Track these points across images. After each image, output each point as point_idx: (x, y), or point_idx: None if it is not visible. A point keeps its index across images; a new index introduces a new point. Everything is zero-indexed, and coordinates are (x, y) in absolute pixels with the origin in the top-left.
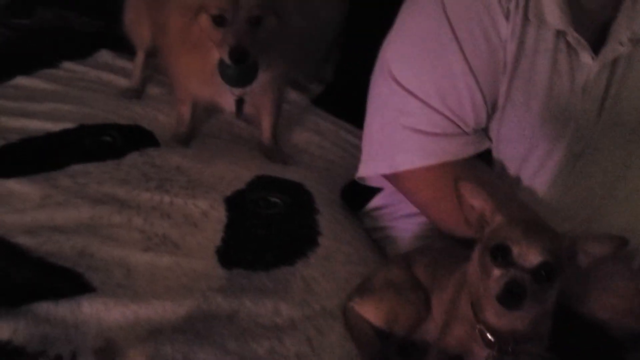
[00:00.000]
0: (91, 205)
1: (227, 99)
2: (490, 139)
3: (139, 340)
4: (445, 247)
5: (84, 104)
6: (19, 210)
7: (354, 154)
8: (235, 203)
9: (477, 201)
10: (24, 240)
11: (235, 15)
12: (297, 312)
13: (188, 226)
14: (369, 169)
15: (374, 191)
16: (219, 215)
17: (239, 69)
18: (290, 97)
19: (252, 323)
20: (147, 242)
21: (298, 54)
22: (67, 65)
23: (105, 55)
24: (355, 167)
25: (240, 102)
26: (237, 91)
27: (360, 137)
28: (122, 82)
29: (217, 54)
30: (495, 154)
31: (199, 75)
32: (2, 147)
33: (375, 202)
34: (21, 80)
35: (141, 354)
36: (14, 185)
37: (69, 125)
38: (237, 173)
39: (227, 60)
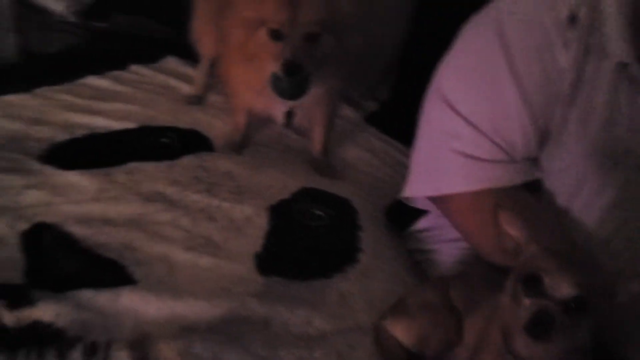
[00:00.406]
0: (142, 202)
1: (278, 110)
2: (540, 169)
3: (172, 336)
4: (483, 273)
5: (147, 106)
6: (75, 201)
7: (403, 174)
8: (279, 212)
9: (513, 230)
10: (76, 230)
11: (292, 30)
12: (329, 325)
13: (231, 230)
14: (414, 190)
15: (420, 212)
16: (262, 222)
17: (291, 82)
18: (343, 113)
19: (284, 331)
20: (190, 242)
21: (353, 72)
22: (135, 68)
23: (172, 62)
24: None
25: (289, 115)
26: (288, 103)
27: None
28: (186, 88)
29: (271, 67)
30: (545, 184)
31: (253, 86)
32: (67, 140)
33: (420, 224)
34: (91, 80)
35: (172, 349)
36: (74, 177)
37: (131, 125)
38: (284, 183)
39: (280, 73)
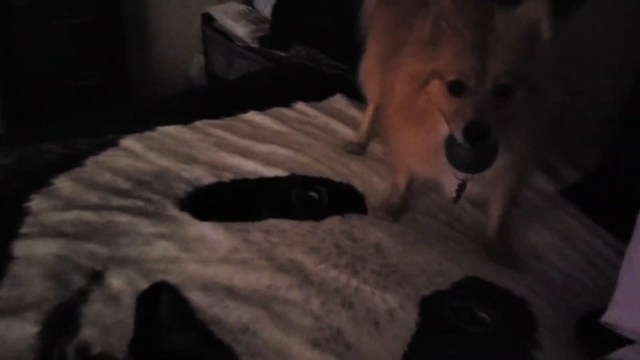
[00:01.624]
0: (273, 271)
1: (449, 180)
2: None
3: None
4: None
5: (303, 151)
6: (204, 259)
7: (609, 276)
8: (432, 308)
9: None
10: (196, 297)
11: (479, 83)
12: None
13: (368, 324)
14: (620, 316)
15: (622, 338)
16: (409, 319)
17: (473, 151)
18: (534, 182)
19: None
20: (317, 334)
21: (551, 136)
22: (300, 106)
23: (339, 101)
24: (606, 293)
25: (462, 187)
26: (463, 175)
27: (622, 254)
28: (349, 133)
29: (445, 129)
30: None
31: (419, 150)
32: (213, 184)
33: (621, 353)
34: (252, 115)
35: None
36: (208, 230)
37: (281, 172)
38: (443, 268)
39: (459, 137)
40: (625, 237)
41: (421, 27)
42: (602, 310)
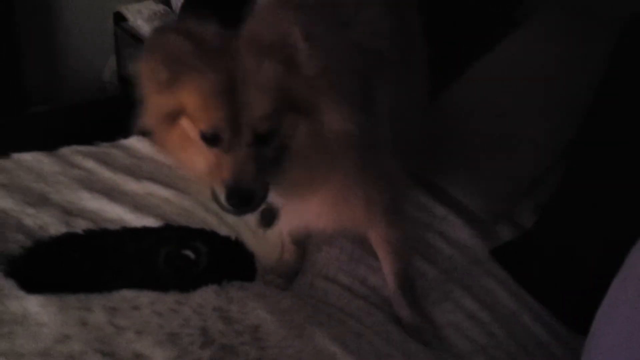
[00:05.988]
0: None
1: None
2: None
3: None
4: None
5: (189, 192)
6: (15, 352)
7: None
8: None
9: None
10: None
11: (234, 135)
12: None
13: None
14: None
15: None
16: None
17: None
18: (459, 236)
19: None
20: None
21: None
22: None
23: None
24: None
25: (268, 214)
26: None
27: (555, 335)
28: None
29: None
30: None
31: (196, 172)
32: (59, 236)
33: None
34: (135, 142)
35: None
36: (34, 307)
37: (152, 221)
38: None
39: (223, 202)
40: (558, 313)
41: (151, 67)
42: None
